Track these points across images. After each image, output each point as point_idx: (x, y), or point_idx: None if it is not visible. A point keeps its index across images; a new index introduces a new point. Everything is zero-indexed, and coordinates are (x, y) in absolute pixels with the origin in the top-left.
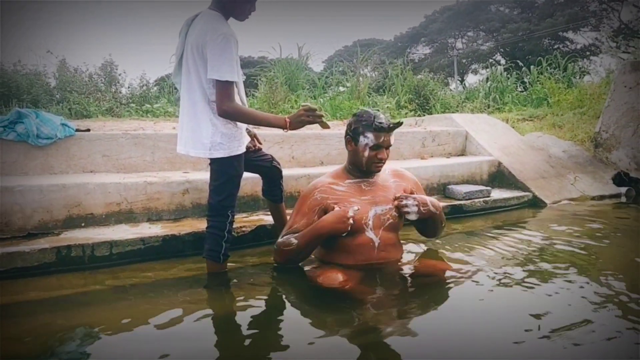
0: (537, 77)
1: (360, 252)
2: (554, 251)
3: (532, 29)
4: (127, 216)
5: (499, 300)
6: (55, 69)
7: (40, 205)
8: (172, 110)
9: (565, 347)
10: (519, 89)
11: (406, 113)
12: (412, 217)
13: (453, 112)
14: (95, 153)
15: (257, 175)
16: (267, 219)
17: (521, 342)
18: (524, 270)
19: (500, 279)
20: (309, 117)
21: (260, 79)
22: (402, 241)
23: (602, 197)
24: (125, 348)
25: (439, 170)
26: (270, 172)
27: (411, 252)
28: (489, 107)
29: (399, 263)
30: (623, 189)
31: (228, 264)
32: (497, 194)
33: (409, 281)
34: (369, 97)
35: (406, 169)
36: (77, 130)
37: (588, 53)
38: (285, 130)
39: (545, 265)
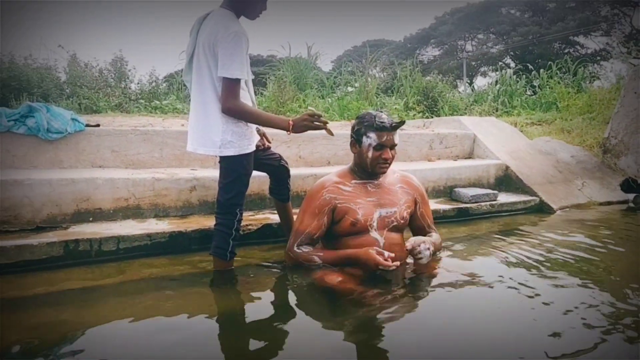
0: (547, 81)
1: None
2: (559, 256)
3: (542, 33)
4: (135, 212)
5: (502, 302)
6: (66, 63)
7: (49, 199)
8: (180, 107)
9: (566, 349)
10: (528, 93)
11: (414, 115)
12: (424, 261)
13: (461, 115)
14: (105, 148)
15: (264, 174)
16: (274, 217)
17: (522, 343)
18: (527, 275)
19: (503, 283)
20: (313, 122)
21: (269, 78)
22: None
23: (609, 204)
24: (130, 343)
25: (446, 172)
26: (278, 171)
27: None
28: (497, 111)
29: (404, 265)
30: (631, 196)
31: (234, 261)
32: (504, 198)
33: (411, 282)
34: (377, 97)
35: (413, 172)
36: (87, 125)
37: (598, 58)
38: (288, 132)
39: (550, 271)
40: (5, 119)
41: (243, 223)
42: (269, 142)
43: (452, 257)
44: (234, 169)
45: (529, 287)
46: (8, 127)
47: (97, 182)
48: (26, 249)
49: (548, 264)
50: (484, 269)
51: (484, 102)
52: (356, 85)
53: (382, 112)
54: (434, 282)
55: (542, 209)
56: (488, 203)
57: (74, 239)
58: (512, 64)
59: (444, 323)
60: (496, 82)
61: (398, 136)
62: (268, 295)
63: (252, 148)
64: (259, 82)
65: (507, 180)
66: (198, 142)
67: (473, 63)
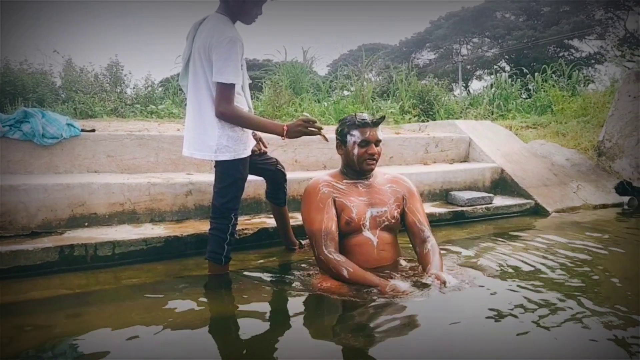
0: (542, 84)
1: (360, 252)
2: (554, 259)
3: (537, 36)
4: (130, 216)
5: (498, 305)
6: (61, 68)
7: (44, 204)
8: (176, 112)
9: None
10: (523, 96)
11: (410, 118)
12: (452, 282)
13: (457, 118)
14: (100, 153)
15: (260, 178)
16: (270, 221)
17: (518, 345)
18: (523, 277)
19: (499, 286)
20: (307, 128)
21: (264, 82)
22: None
23: (604, 206)
24: (126, 348)
25: (441, 176)
26: (274, 175)
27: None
28: (492, 114)
29: (398, 265)
30: (625, 198)
31: (229, 265)
32: (500, 201)
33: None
34: (373, 101)
35: (409, 175)
36: (82, 130)
37: (593, 61)
38: (283, 138)
39: (545, 273)
40: (0, 124)
41: (239, 227)
42: (265, 147)
43: (447, 261)
44: (229, 174)
45: (524, 289)
46: (3, 133)
47: (93, 187)
48: (21, 255)
49: (543, 267)
50: (479, 272)
51: (480, 105)
52: (352, 89)
53: (362, 112)
54: (430, 285)
55: (537, 212)
56: (484, 206)
57: (69, 244)
58: (507, 68)
59: (440, 326)
60: (491, 85)
61: (381, 132)
62: (263, 300)
63: (248, 153)
64: (255, 87)
65: (502, 184)
66: (194, 147)
67: (468, 67)
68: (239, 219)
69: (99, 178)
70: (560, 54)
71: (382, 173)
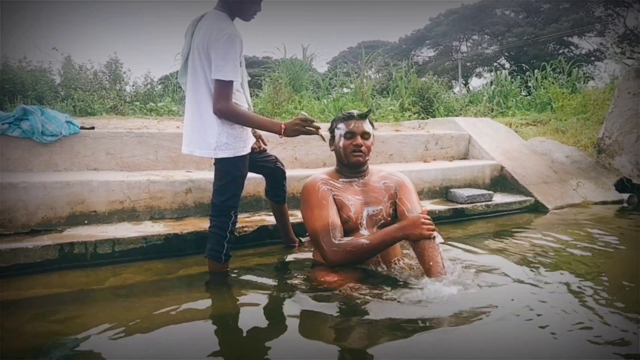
0: (541, 81)
1: None
2: (554, 256)
3: (537, 34)
4: (130, 214)
5: (498, 303)
6: (60, 66)
7: (44, 202)
8: (176, 109)
9: (562, 349)
10: (523, 94)
11: (409, 116)
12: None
13: (456, 116)
14: (99, 151)
15: (259, 176)
16: (269, 219)
17: (518, 343)
18: (523, 274)
19: (499, 283)
20: (304, 127)
21: (264, 79)
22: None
23: (604, 203)
24: (125, 346)
25: (441, 173)
26: (274, 173)
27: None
28: (492, 111)
29: (397, 262)
30: (625, 195)
31: (229, 263)
32: (499, 198)
33: (405, 280)
34: (373, 98)
35: (408, 172)
36: (81, 128)
37: (593, 58)
38: (280, 136)
39: (545, 270)
40: None
41: (239, 225)
42: (265, 145)
43: (447, 257)
44: (229, 171)
45: (524, 285)
46: (2, 130)
47: (92, 185)
48: (21, 252)
49: (543, 264)
50: (479, 269)
51: (479, 102)
52: (352, 86)
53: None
54: (430, 282)
55: (537, 209)
56: (483, 203)
57: (69, 242)
58: (507, 65)
59: (440, 326)
60: (491, 82)
61: (369, 125)
62: (263, 297)
63: (248, 150)
64: (255, 84)
65: (502, 181)
66: (194, 144)
67: (468, 64)
68: (238, 216)
69: (99, 176)
70: (560, 51)
71: (377, 171)
